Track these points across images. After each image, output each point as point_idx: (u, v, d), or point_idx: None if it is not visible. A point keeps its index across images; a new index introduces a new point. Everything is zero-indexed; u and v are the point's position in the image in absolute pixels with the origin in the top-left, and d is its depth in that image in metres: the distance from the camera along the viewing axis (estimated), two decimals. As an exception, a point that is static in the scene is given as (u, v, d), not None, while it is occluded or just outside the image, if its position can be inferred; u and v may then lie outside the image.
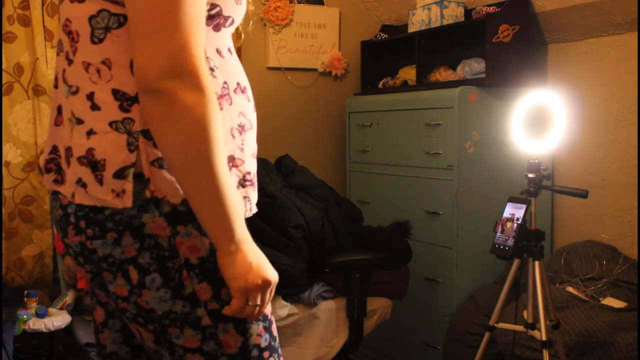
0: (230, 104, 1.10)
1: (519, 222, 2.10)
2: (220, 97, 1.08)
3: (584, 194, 2.12)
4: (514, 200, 2.16)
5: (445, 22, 2.91)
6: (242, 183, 1.13)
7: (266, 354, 1.13)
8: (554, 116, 2.16)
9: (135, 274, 1.04)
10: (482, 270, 2.81)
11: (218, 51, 1.10)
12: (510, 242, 2.10)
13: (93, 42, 1.04)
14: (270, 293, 1.08)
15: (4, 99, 2.77)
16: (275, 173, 2.61)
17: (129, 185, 1.02)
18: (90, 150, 1.03)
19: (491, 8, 2.83)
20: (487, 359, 2.38)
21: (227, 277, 1.04)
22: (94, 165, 1.03)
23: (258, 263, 1.05)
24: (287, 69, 3.40)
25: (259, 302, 1.06)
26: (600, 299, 2.50)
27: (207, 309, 1.07)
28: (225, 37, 1.12)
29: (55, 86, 1.14)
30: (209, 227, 1.02)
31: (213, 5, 1.06)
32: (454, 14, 2.93)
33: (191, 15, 0.95)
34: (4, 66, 2.76)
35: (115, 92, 1.02)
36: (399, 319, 2.82)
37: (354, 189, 3.37)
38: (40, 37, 2.78)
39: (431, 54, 3.03)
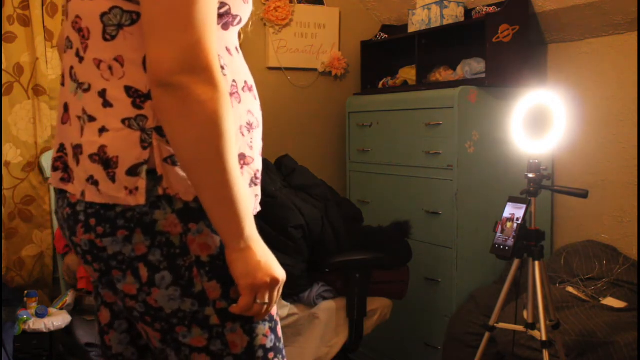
0: (239, 102, 1.11)
1: (519, 222, 2.10)
2: (230, 95, 1.08)
3: (584, 194, 2.12)
4: (514, 200, 2.16)
5: (445, 22, 2.91)
6: (254, 181, 1.14)
7: (271, 355, 1.13)
8: (554, 116, 2.16)
9: (145, 271, 1.04)
10: (482, 270, 2.81)
11: (227, 49, 1.10)
12: (510, 242, 2.10)
13: (105, 40, 1.03)
14: (278, 292, 1.09)
15: (4, 99, 2.77)
16: (275, 173, 2.62)
17: (142, 182, 1.01)
18: (102, 148, 1.03)
19: (491, 8, 2.83)
20: (487, 359, 2.38)
21: (236, 274, 1.04)
22: (106, 162, 1.02)
23: (267, 261, 1.06)
24: (287, 69, 3.40)
25: (266, 300, 1.06)
26: (600, 299, 2.50)
27: (216, 308, 1.07)
28: (233, 36, 1.13)
29: (62, 84, 1.13)
30: (219, 224, 1.02)
31: (222, 4, 1.06)
32: (454, 14, 2.93)
33: (205, 12, 0.96)
34: (4, 66, 2.76)
35: (128, 89, 1.02)
36: (399, 319, 2.82)
37: (354, 189, 3.37)
38: (40, 37, 2.77)
39: (431, 54, 3.03)
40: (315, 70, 3.46)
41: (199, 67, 0.94)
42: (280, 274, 1.08)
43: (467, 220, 2.76)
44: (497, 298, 2.23)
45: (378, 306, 2.47)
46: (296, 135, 3.44)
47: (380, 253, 2.43)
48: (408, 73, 3.17)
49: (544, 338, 2.06)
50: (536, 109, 2.22)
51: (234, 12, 1.09)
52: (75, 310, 2.68)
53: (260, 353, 1.11)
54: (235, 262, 1.03)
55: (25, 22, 2.77)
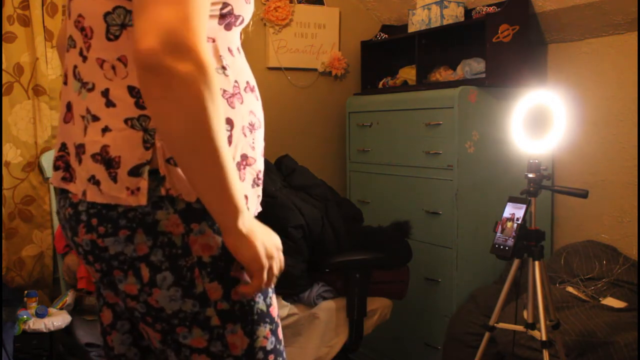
0: (242, 102, 1.10)
1: (519, 222, 2.10)
2: (232, 95, 1.08)
3: (584, 194, 2.12)
4: (514, 200, 2.16)
5: (445, 22, 2.91)
6: (256, 182, 1.14)
7: (271, 357, 1.13)
8: (554, 116, 2.16)
9: (147, 272, 1.04)
10: (482, 270, 2.81)
11: (229, 50, 1.10)
12: (510, 242, 2.10)
13: (108, 39, 1.03)
14: (280, 260, 1.11)
15: (4, 99, 2.77)
16: (275, 173, 2.62)
17: (144, 182, 1.01)
18: (104, 148, 1.02)
19: (491, 8, 2.83)
20: (487, 359, 2.38)
21: (244, 261, 1.04)
22: (108, 162, 1.02)
23: (268, 239, 1.07)
24: (287, 69, 3.40)
25: (275, 271, 1.08)
26: (600, 299, 2.50)
27: (217, 309, 1.07)
28: (235, 36, 1.12)
29: (65, 82, 1.13)
30: (216, 208, 1.00)
31: (225, 4, 1.06)
32: (454, 14, 2.93)
33: None
34: (4, 66, 2.76)
35: (131, 89, 1.02)
36: (399, 319, 2.82)
37: (354, 189, 3.37)
38: (40, 37, 2.77)
39: (431, 54, 3.03)
40: (315, 70, 3.46)
41: (184, 47, 0.89)
42: (278, 241, 1.10)
43: (467, 220, 2.76)
44: (497, 298, 2.23)
45: (378, 306, 2.47)
46: (296, 135, 3.44)
47: (380, 253, 2.43)
48: (408, 73, 3.17)
49: (544, 338, 2.06)
50: (536, 109, 2.22)
51: (236, 12, 1.08)
52: (75, 310, 2.68)
53: (260, 355, 1.11)
54: (240, 249, 1.03)
55: (25, 22, 2.77)
